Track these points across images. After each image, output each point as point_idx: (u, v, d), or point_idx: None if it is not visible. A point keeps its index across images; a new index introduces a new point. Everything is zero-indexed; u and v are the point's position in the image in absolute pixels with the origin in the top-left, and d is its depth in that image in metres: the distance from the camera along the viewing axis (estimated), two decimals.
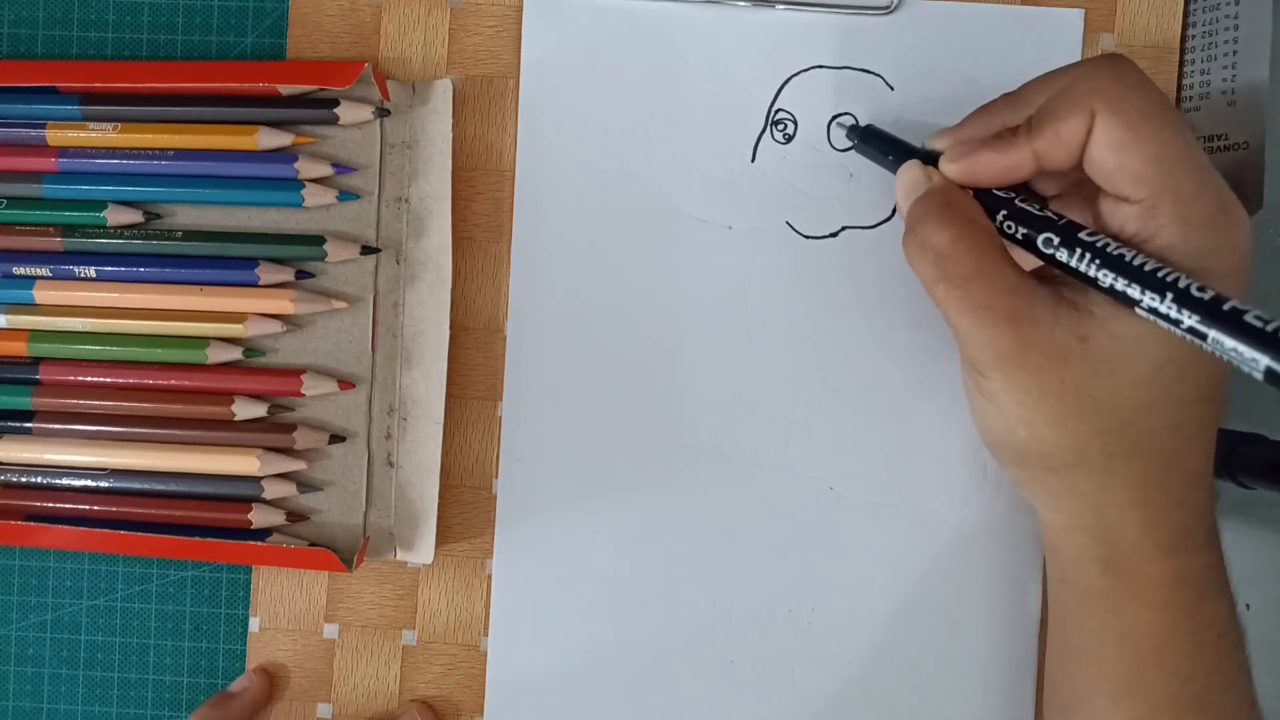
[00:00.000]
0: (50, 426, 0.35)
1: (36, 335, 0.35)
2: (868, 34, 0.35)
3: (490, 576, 0.36)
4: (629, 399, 0.36)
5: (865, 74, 0.35)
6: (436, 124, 0.35)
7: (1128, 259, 0.26)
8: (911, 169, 0.30)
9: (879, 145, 0.33)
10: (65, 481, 0.35)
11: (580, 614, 0.36)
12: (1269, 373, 0.22)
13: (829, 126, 0.35)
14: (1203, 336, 0.24)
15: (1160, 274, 0.25)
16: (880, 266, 0.35)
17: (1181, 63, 0.35)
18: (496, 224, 0.36)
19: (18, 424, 0.35)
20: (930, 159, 0.30)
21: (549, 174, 0.36)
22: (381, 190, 0.35)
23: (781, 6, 0.35)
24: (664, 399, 0.36)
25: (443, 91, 0.35)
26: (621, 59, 0.36)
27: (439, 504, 0.35)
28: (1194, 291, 0.24)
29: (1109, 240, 0.26)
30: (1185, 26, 0.35)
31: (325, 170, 0.34)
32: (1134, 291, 0.25)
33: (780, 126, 0.35)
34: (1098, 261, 0.26)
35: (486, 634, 0.36)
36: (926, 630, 0.35)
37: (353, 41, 0.36)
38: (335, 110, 0.34)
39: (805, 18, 0.35)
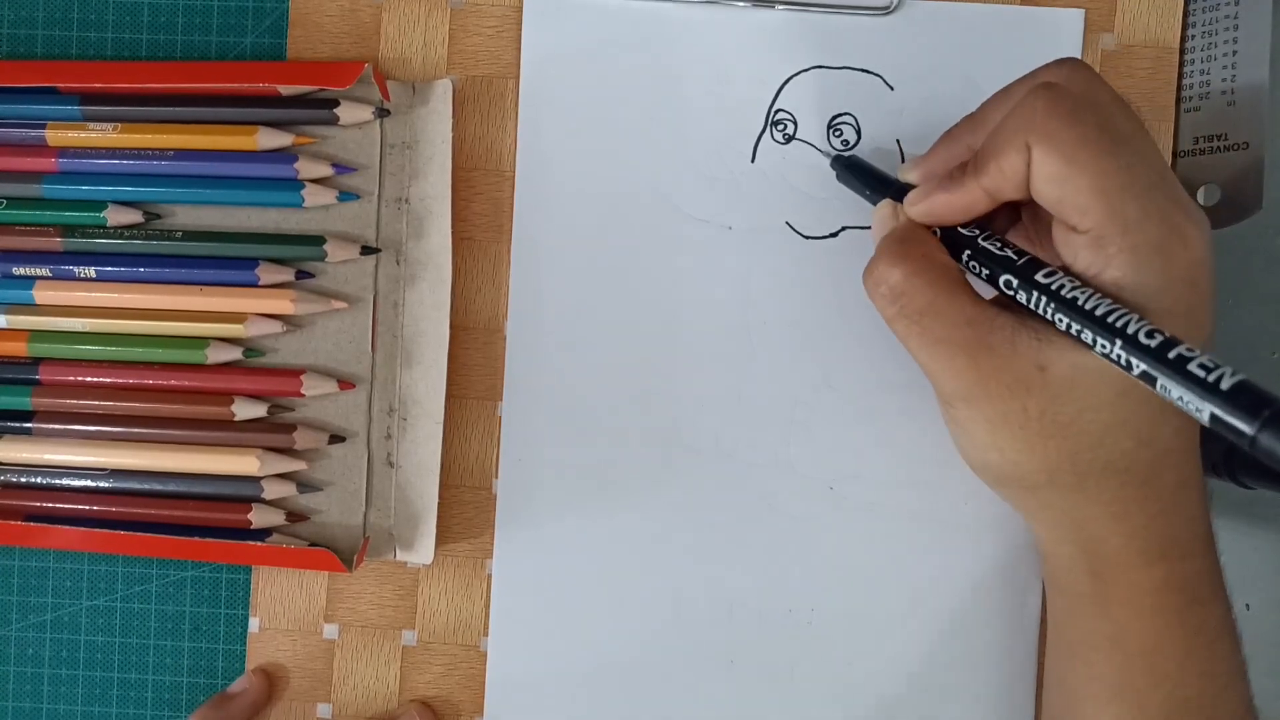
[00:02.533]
0: (50, 426, 0.35)
1: (36, 335, 0.35)
2: (868, 34, 0.35)
3: (490, 576, 0.36)
4: (629, 399, 0.36)
5: (865, 74, 0.35)
6: (436, 124, 0.35)
7: (1080, 302, 0.26)
8: (883, 208, 0.31)
9: (858, 177, 0.33)
10: (65, 482, 0.35)
11: (580, 614, 0.36)
12: (1213, 419, 0.22)
13: (829, 126, 0.35)
14: (1152, 381, 0.24)
15: (1110, 318, 0.25)
16: None
17: (1181, 63, 0.35)
18: (496, 224, 0.36)
19: (17, 424, 0.35)
20: (904, 192, 0.31)
21: (549, 174, 0.36)
22: (381, 190, 0.35)
23: (781, 6, 0.35)
24: (664, 399, 0.36)
25: (443, 92, 0.35)
26: (621, 59, 0.36)
27: (439, 504, 0.35)
28: (1142, 338, 0.24)
29: (1064, 281, 0.26)
30: (1185, 26, 0.35)
31: (325, 170, 0.34)
32: (1088, 336, 0.25)
33: (780, 126, 0.35)
34: (1053, 304, 0.26)
35: (486, 634, 0.36)
36: (926, 630, 0.35)
37: (353, 42, 0.36)
38: (335, 110, 0.34)
39: (805, 18, 0.35)
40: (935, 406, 0.35)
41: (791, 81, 0.35)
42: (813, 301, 0.36)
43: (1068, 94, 0.27)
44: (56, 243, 0.35)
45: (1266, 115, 0.32)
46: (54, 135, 0.35)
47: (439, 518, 0.35)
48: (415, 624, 0.37)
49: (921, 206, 0.29)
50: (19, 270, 0.35)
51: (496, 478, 0.36)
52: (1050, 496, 0.29)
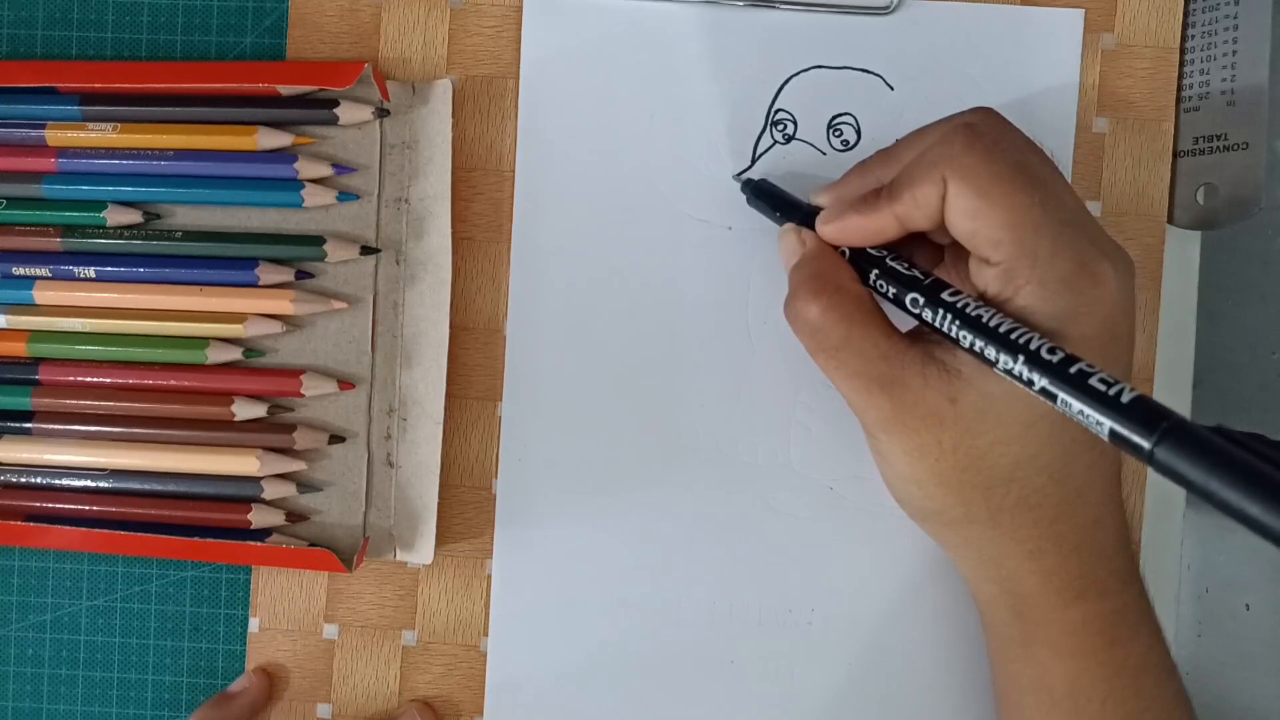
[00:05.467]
0: (50, 427, 0.35)
1: (36, 335, 0.35)
2: (868, 34, 0.35)
3: (490, 576, 0.36)
4: (629, 399, 0.36)
5: (865, 74, 0.35)
6: (436, 124, 0.35)
7: (984, 319, 0.26)
8: (787, 233, 0.31)
9: (766, 200, 0.33)
10: (65, 482, 0.35)
11: (580, 614, 0.36)
12: (1112, 434, 0.23)
13: (829, 126, 0.35)
14: (1053, 398, 0.24)
15: (1013, 335, 0.25)
16: None
17: (1181, 63, 0.35)
18: (496, 224, 0.36)
19: (17, 424, 0.35)
20: (813, 216, 0.31)
21: (549, 174, 0.36)
22: (381, 190, 0.35)
23: (781, 6, 0.35)
24: (664, 399, 0.36)
25: (442, 92, 0.35)
26: (621, 59, 0.36)
27: (439, 504, 0.35)
28: (1044, 353, 0.24)
29: (969, 300, 0.27)
30: (1185, 26, 0.35)
31: (325, 170, 0.34)
32: (990, 352, 0.26)
33: (780, 126, 0.35)
34: (957, 322, 0.26)
35: (486, 634, 0.36)
36: (927, 630, 0.35)
37: (353, 42, 0.36)
38: (335, 110, 0.34)
39: (805, 18, 0.35)
40: None
41: (791, 81, 0.35)
42: None
43: (985, 133, 0.27)
44: (56, 243, 0.35)
45: (1266, 115, 0.32)
46: (54, 135, 0.35)
47: (439, 518, 0.35)
48: (415, 624, 0.37)
49: (834, 226, 0.30)
50: (19, 270, 0.35)
51: (496, 478, 0.36)
52: (968, 533, 0.29)
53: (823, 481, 0.36)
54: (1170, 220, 0.35)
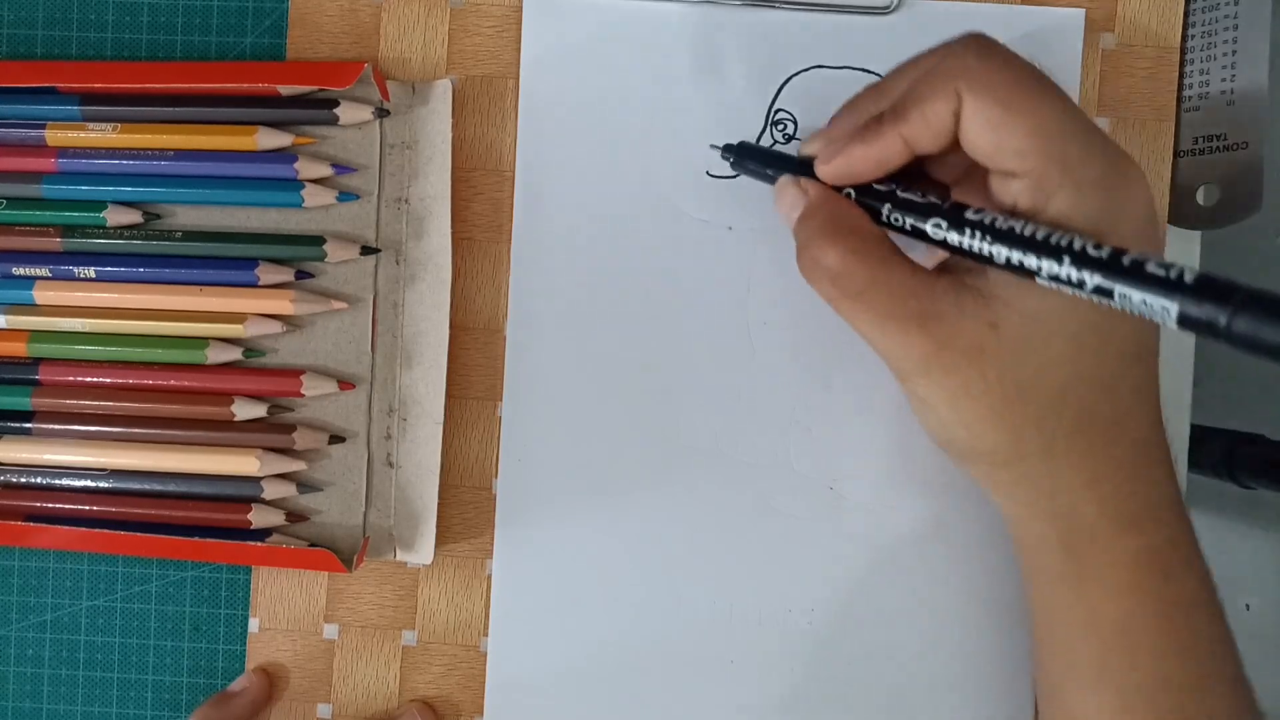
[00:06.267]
0: (50, 427, 0.35)
1: (36, 335, 0.35)
2: (868, 34, 0.35)
3: (490, 576, 0.36)
4: (629, 399, 0.36)
5: (865, 74, 0.35)
6: (436, 124, 0.35)
7: (1018, 230, 0.25)
8: (786, 186, 0.30)
9: (756, 161, 0.32)
10: (65, 482, 0.35)
11: (580, 614, 0.36)
12: (1182, 318, 0.22)
13: None
14: (1109, 294, 0.23)
15: (1053, 239, 0.24)
16: None
17: (1182, 63, 0.35)
18: (496, 224, 0.36)
19: (17, 424, 0.35)
20: (807, 167, 0.30)
21: (549, 174, 0.36)
22: (381, 190, 0.35)
23: (781, 6, 0.35)
24: (664, 399, 0.36)
25: (442, 92, 0.35)
26: (621, 59, 0.36)
27: (439, 504, 0.35)
28: (1090, 251, 0.24)
29: (996, 216, 0.26)
30: (1185, 26, 0.35)
31: (325, 170, 0.34)
32: (1031, 261, 0.24)
33: (780, 126, 0.35)
34: (989, 238, 0.25)
35: (486, 634, 0.36)
36: (927, 630, 0.35)
37: (352, 42, 0.36)
38: (335, 111, 0.34)
39: (805, 18, 0.35)
40: None
41: (791, 81, 0.35)
42: (813, 301, 0.35)
43: (995, 45, 0.27)
44: (56, 243, 0.35)
45: (1266, 115, 0.32)
46: (54, 135, 0.35)
47: (439, 518, 0.35)
48: (415, 624, 0.37)
49: (837, 162, 0.28)
50: (19, 270, 0.35)
51: (496, 478, 0.36)
52: (1022, 469, 0.28)
53: (823, 481, 0.36)
54: (1170, 220, 0.35)
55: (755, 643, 0.36)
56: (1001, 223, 0.25)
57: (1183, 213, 0.35)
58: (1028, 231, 0.25)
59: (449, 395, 0.35)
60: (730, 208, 0.36)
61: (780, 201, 0.30)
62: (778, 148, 0.35)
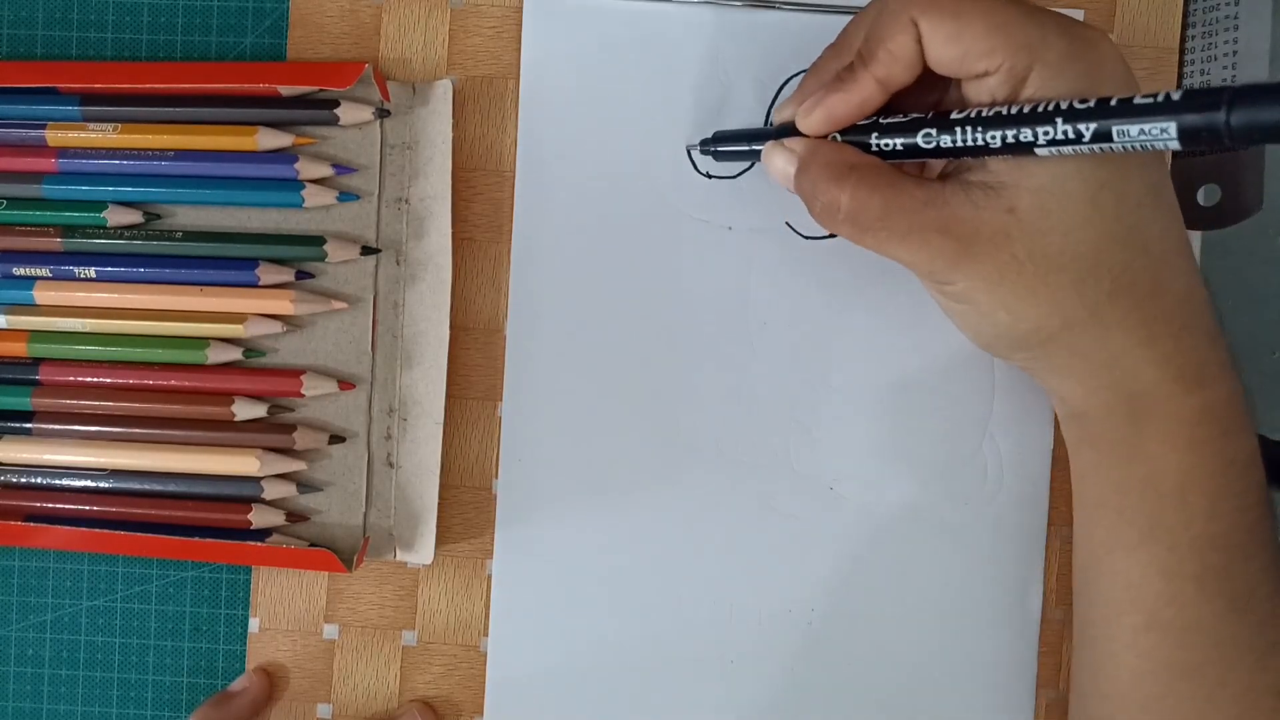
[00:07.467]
0: (50, 427, 0.35)
1: (36, 335, 0.35)
2: None
3: (490, 576, 0.36)
4: (629, 399, 0.36)
5: None
6: (436, 125, 0.35)
7: (1005, 112, 0.26)
8: (773, 151, 0.31)
9: (734, 143, 0.33)
10: (65, 482, 0.35)
11: (580, 614, 0.36)
12: (1182, 133, 0.23)
13: None
14: (1108, 137, 0.24)
15: (1039, 107, 0.25)
16: (880, 266, 0.35)
17: (1181, 63, 0.35)
18: (496, 224, 0.36)
19: (17, 424, 0.35)
20: (787, 132, 0.31)
21: (549, 174, 0.36)
22: (381, 191, 0.35)
23: (781, 6, 0.35)
24: (664, 399, 0.36)
25: (443, 92, 0.35)
26: (621, 59, 0.36)
27: (439, 504, 0.35)
28: (1077, 105, 0.25)
29: (980, 108, 0.27)
30: (1185, 26, 0.35)
31: (325, 171, 0.34)
32: (1026, 133, 0.25)
33: None
34: (980, 128, 0.26)
35: (486, 634, 0.36)
36: (927, 630, 0.35)
37: (353, 42, 0.36)
38: (335, 111, 0.34)
39: (805, 18, 0.35)
40: (935, 405, 0.35)
41: (792, 81, 0.35)
42: (813, 301, 0.36)
43: None
44: (56, 243, 0.35)
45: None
46: (54, 135, 0.35)
47: (439, 518, 0.35)
48: (415, 624, 0.37)
49: (819, 112, 0.29)
50: (19, 270, 0.35)
51: (496, 478, 0.36)
52: (1074, 342, 0.29)
53: (823, 481, 0.36)
54: None
55: (755, 643, 0.36)
56: (987, 111, 0.27)
57: (1183, 213, 0.35)
58: (1013, 110, 0.26)
59: (449, 395, 0.35)
60: (730, 208, 0.36)
61: (772, 167, 0.31)
62: None
